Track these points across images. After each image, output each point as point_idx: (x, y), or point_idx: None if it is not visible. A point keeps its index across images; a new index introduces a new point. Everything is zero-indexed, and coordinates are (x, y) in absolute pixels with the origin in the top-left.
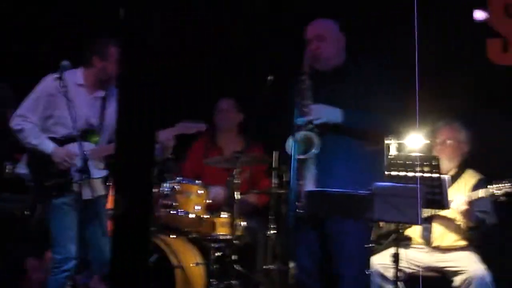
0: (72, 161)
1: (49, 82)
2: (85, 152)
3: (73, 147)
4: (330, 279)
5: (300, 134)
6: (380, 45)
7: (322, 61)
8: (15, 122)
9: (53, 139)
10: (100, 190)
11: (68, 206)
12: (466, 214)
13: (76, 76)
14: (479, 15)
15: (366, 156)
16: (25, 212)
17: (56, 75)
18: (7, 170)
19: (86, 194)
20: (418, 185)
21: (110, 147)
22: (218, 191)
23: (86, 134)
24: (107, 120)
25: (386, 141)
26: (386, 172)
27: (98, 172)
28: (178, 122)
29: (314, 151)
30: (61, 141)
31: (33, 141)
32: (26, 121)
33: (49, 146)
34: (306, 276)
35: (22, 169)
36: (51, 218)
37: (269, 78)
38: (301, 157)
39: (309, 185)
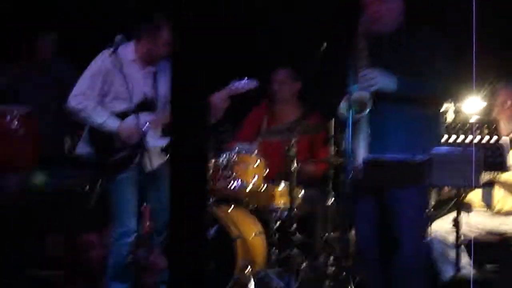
0: (137, 135)
1: (104, 58)
2: (146, 124)
3: (133, 120)
4: (389, 247)
5: (353, 95)
6: (436, 7)
7: (382, 24)
8: (76, 102)
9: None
10: (160, 158)
11: (130, 180)
12: None
13: (128, 51)
14: None
15: (422, 120)
16: (85, 189)
17: (110, 50)
18: (67, 147)
19: (148, 166)
20: (474, 149)
21: (167, 116)
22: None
23: (144, 106)
24: (161, 93)
25: (445, 106)
26: (444, 137)
27: (158, 141)
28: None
29: (367, 110)
30: (120, 116)
31: (98, 120)
32: (88, 100)
33: (114, 123)
34: (366, 244)
35: (83, 148)
36: (113, 192)
37: (323, 45)
38: (355, 117)
39: (363, 149)
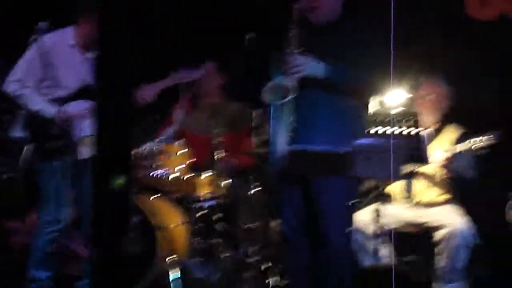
0: (73, 121)
1: (42, 44)
2: (83, 111)
3: (71, 106)
4: (316, 236)
5: (275, 81)
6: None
7: (319, 14)
8: (13, 88)
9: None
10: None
11: (62, 169)
12: (447, 167)
13: (67, 37)
14: None
15: (348, 111)
16: (4, 176)
17: (34, 37)
18: None
19: (83, 153)
20: (395, 141)
21: None
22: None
23: (82, 93)
24: None
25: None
26: (366, 129)
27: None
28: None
29: (289, 97)
30: (58, 102)
31: (34, 106)
32: (23, 87)
33: (51, 110)
34: (292, 233)
35: (18, 132)
36: (45, 179)
37: (248, 36)
38: (277, 103)
39: (285, 138)
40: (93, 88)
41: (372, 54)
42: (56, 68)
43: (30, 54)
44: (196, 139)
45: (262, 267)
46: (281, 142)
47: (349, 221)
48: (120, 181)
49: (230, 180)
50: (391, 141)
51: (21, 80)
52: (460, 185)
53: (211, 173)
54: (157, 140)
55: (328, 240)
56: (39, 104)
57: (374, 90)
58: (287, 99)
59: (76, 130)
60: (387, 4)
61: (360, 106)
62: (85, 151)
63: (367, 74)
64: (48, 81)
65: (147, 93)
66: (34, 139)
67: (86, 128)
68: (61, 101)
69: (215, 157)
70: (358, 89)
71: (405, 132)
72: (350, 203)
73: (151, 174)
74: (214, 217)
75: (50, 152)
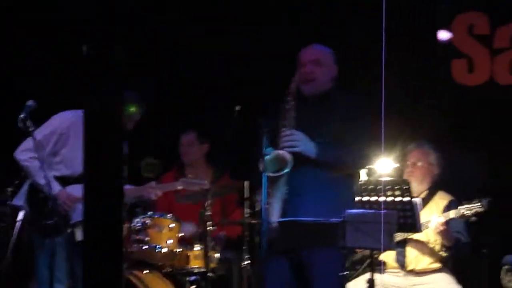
0: (73, 204)
1: (62, 120)
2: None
3: (73, 188)
4: None
5: (275, 153)
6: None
7: (313, 86)
8: (24, 158)
9: (55, 177)
10: None
11: (58, 247)
12: (445, 234)
13: None
14: (443, 35)
15: (337, 184)
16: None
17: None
18: None
19: (79, 236)
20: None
21: None
22: (189, 228)
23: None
24: None
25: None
26: (357, 198)
27: None
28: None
29: (286, 169)
30: (63, 181)
31: (40, 181)
32: (34, 158)
33: (55, 188)
34: None
35: (20, 200)
36: (39, 254)
37: (236, 108)
38: (273, 175)
39: (278, 209)
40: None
41: (361, 123)
42: (68, 147)
43: (48, 128)
44: (187, 210)
45: None
46: (273, 213)
47: None
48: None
49: (222, 252)
50: (383, 211)
51: (32, 151)
52: (453, 252)
53: (202, 246)
54: (148, 214)
55: None
56: (45, 179)
57: (363, 165)
58: (284, 171)
59: (75, 212)
60: (377, 73)
61: (350, 179)
62: (81, 234)
63: (355, 149)
64: (58, 158)
65: (153, 192)
66: (32, 213)
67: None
68: (66, 180)
69: (207, 229)
70: (346, 166)
71: (396, 200)
72: (340, 274)
73: (143, 248)
74: None
75: (46, 229)
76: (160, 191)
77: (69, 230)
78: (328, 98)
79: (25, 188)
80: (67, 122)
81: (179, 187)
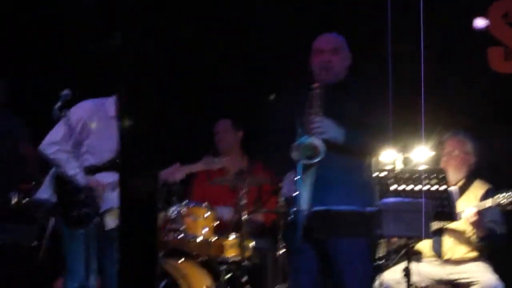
0: (102, 192)
1: (84, 109)
2: (111, 184)
3: (101, 177)
4: None
5: (307, 141)
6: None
7: (331, 74)
8: (51, 151)
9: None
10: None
11: (88, 236)
12: (477, 224)
13: (108, 107)
14: (479, 23)
15: (363, 170)
16: (32, 244)
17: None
18: (13, 201)
19: (109, 224)
20: (424, 199)
21: None
22: (226, 211)
23: (113, 164)
24: None
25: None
26: (392, 187)
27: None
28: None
29: (319, 157)
30: (90, 171)
31: (69, 172)
32: (62, 151)
33: (84, 178)
34: None
35: (44, 193)
36: (70, 246)
37: (271, 96)
38: (305, 163)
39: (307, 196)
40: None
41: (379, 108)
42: (92, 136)
43: (72, 118)
44: (222, 198)
45: None
46: (306, 201)
47: (369, 282)
48: None
49: (257, 241)
50: (420, 200)
51: (60, 143)
52: (489, 242)
53: (237, 235)
54: (184, 203)
55: None
56: (75, 169)
57: (383, 146)
58: (317, 159)
59: (104, 201)
60: (415, 62)
61: (369, 166)
62: (111, 222)
63: (377, 133)
64: (83, 148)
65: (178, 174)
66: (61, 205)
67: (113, 199)
68: (93, 170)
69: (242, 217)
70: (370, 148)
71: (432, 189)
72: (374, 264)
73: (178, 237)
74: (242, 280)
75: (77, 220)
76: (184, 172)
77: (98, 219)
78: (345, 85)
79: (47, 181)
80: (89, 111)
81: (202, 167)
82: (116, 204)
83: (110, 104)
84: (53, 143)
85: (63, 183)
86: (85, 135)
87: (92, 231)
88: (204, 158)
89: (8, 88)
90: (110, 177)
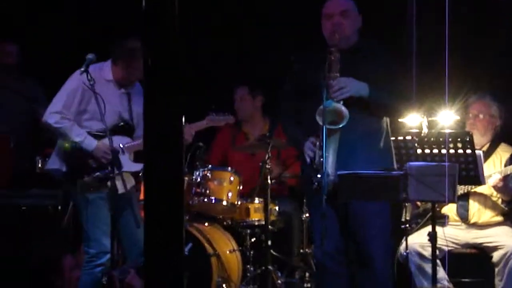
0: (111, 157)
1: (81, 77)
2: (122, 146)
3: (108, 142)
4: (354, 261)
5: (331, 106)
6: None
7: (343, 38)
8: (54, 120)
9: (88, 134)
10: (131, 181)
11: (102, 201)
12: (502, 189)
13: (104, 71)
14: None
15: (385, 134)
16: (58, 208)
17: (81, 69)
18: (39, 165)
19: (121, 188)
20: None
21: (141, 142)
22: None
23: (120, 128)
24: (136, 115)
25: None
26: (418, 150)
27: (131, 166)
28: (204, 114)
29: (343, 123)
30: (97, 136)
31: (76, 138)
32: (65, 118)
33: (92, 143)
34: (329, 259)
35: (53, 164)
36: (85, 212)
37: (292, 58)
38: (330, 127)
39: (334, 163)
40: (129, 123)
41: (398, 68)
42: (94, 102)
43: (70, 86)
44: (246, 163)
45: None
46: (332, 166)
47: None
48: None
49: (281, 205)
50: (445, 164)
51: (62, 111)
52: None
53: (262, 199)
54: (209, 167)
55: (371, 264)
56: (81, 135)
57: (408, 106)
58: (342, 124)
59: (114, 165)
60: (439, 25)
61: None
62: (124, 186)
63: (400, 92)
64: (87, 115)
65: (190, 132)
66: (72, 172)
67: (124, 163)
68: (100, 134)
69: (267, 180)
70: (395, 107)
71: (459, 152)
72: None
73: (203, 200)
74: (267, 244)
75: (87, 185)
76: (191, 131)
77: (110, 183)
78: (359, 49)
79: (56, 150)
80: (84, 78)
81: (207, 124)
82: (127, 168)
83: (105, 68)
84: (55, 112)
85: (71, 151)
86: (86, 102)
87: (104, 195)
88: (208, 115)
89: (21, 52)
90: (118, 141)
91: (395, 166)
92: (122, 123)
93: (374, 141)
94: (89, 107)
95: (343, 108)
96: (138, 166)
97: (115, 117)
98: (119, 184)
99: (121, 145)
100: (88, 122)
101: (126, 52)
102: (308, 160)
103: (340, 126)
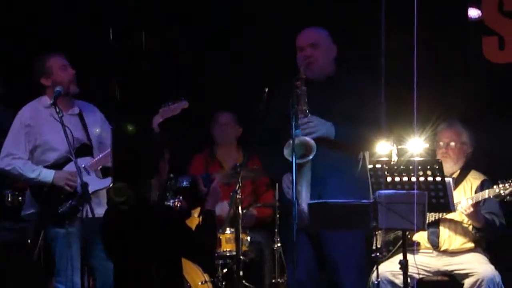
0: (75, 179)
1: (22, 114)
2: (84, 166)
3: (70, 167)
4: None
5: (300, 139)
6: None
7: (315, 69)
8: (5, 163)
9: (46, 167)
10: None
11: (74, 234)
12: (473, 216)
13: (41, 101)
14: (473, 13)
15: (356, 164)
16: (28, 241)
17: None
18: (9, 199)
19: (97, 210)
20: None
21: (107, 156)
22: (223, 207)
23: (78, 150)
24: (92, 133)
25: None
26: (388, 178)
27: (101, 182)
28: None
29: (311, 156)
30: (56, 166)
31: (30, 175)
32: (16, 159)
33: (49, 175)
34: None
35: (28, 209)
36: (56, 247)
37: (265, 90)
38: (299, 161)
39: (306, 193)
40: (87, 143)
41: (371, 101)
42: (43, 134)
43: (14, 127)
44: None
45: None
46: (303, 196)
47: (364, 273)
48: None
49: (253, 236)
50: (415, 192)
51: (11, 153)
52: (488, 233)
53: (233, 229)
54: (179, 198)
55: None
56: (36, 171)
57: (377, 140)
58: (310, 157)
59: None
60: (408, 52)
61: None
62: (97, 209)
63: (370, 126)
64: (39, 149)
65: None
66: (46, 209)
67: (93, 183)
68: (60, 164)
69: (238, 212)
70: (363, 143)
71: (428, 180)
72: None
73: None
74: (239, 274)
75: (65, 217)
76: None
77: (87, 207)
78: (333, 80)
79: (28, 195)
80: (27, 113)
81: (162, 117)
82: (96, 187)
83: (42, 98)
84: (5, 156)
85: (38, 189)
86: (33, 139)
87: (77, 228)
88: (160, 108)
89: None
90: (80, 163)
91: (371, 196)
92: (79, 145)
93: (347, 173)
94: (38, 142)
95: (311, 141)
96: (107, 182)
97: (71, 141)
98: (94, 206)
99: (83, 166)
100: (43, 156)
101: (39, 69)
102: (287, 196)
103: (310, 158)
